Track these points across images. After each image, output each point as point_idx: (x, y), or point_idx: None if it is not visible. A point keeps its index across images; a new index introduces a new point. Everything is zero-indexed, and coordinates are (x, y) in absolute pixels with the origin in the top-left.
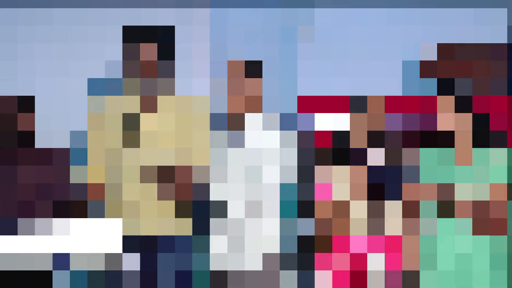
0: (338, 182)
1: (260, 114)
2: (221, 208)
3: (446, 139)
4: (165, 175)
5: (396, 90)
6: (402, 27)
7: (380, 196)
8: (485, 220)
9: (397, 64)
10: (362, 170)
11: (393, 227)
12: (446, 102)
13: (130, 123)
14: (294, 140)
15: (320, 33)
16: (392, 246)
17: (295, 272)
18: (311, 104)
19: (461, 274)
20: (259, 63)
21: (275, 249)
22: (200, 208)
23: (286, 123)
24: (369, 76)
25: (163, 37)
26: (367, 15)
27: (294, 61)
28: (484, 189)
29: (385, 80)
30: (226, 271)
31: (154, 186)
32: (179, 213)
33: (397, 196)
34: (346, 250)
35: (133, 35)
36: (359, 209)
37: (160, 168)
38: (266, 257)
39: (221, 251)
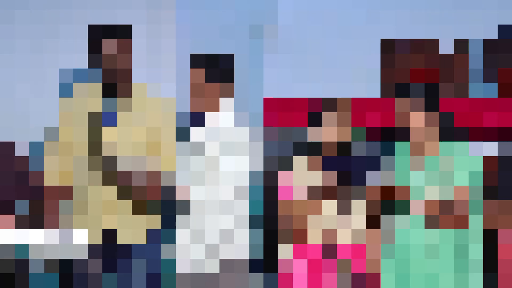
0: (300, 179)
1: (226, 113)
2: (187, 209)
3: (405, 135)
4: (128, 178)
5: (362, 92)
6: (378, 26)
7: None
8: (448, 214)
9: (363, 66)
10: (319, 162)
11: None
12: (403, 104)
13: (95, 123)
14: (260, 137)
15: (284, 32)
16: (357, 247)
17: (261, 275)
18: (277, 105)
19: (422, 266)
20: (219, 69)
21: (243, 252)
22: (167, 209)
23: (253, 122)
24: (337, 77)
25: (122, 34)
26: (335, 13)
27: (261, 61)
28: (449, 183)
29: (352, 81)
30: (192, 273)
31: (115, 188)
32: (146, 213)
33: (361, 194)
34: (311, 249)
35: (95, 33)
36: (324, 206)
37: (120, 173)
38: (231, 260)
39: (188, 253)
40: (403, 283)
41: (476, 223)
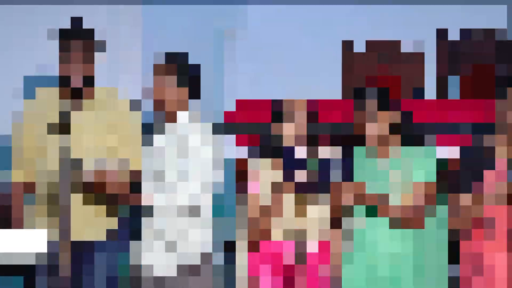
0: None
1: (187, 114)
2: (150, 211)
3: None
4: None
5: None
6: (344, 26)
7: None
8: (407, 214)
9: (335, 65)
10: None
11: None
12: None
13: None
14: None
15: (253, 32)
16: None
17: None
18: (248, 107)
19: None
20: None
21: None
22: (131, 211)
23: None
24: (306, 78)
25: (86, 35)
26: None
27: (224, 63)
28: (408, 184)
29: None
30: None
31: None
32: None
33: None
34: (275, 249)
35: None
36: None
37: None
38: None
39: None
40: (364, 283)
41: (437, 223)
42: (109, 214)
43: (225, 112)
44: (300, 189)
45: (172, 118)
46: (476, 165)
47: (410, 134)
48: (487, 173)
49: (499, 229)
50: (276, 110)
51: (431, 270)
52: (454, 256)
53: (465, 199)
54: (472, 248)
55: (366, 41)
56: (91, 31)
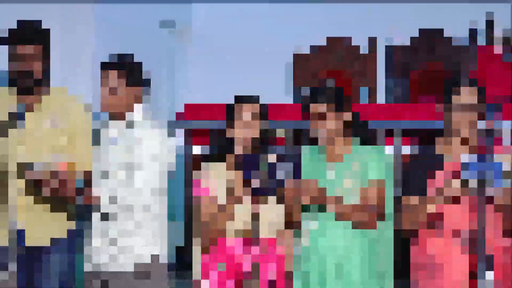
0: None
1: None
2: (98, 210)
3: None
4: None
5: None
6: (294, 26)
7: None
8: (359, 214)
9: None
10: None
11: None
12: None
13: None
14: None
15: (200, 32)
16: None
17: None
18: (197, 111)
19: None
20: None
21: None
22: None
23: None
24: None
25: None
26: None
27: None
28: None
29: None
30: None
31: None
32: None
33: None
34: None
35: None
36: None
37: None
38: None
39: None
40: (313, 283)
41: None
42: (60, 215)
43: (177, 113)
44: (254, 190)
45: (121, 118)
46: (426, 165)
47: (362, 134)
48: (436, 174)
49: (447, 229)
50: (229, 112)
51: (381, 270)
52: (405, 256)
53: (414, 199)
54: (422, 248)
55: (316, 45)
56: (44, 33)
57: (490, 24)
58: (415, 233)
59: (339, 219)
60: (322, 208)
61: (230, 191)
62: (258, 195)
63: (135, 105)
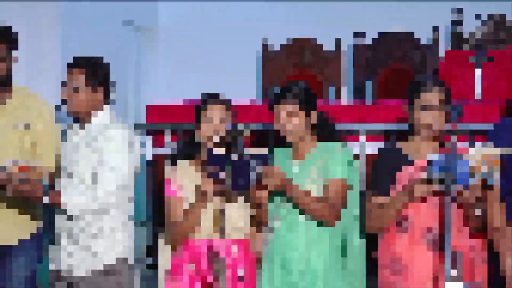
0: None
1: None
2: (63, 211)
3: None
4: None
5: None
6: (264, 24)
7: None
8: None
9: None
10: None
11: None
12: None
13: None
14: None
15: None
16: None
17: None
18: (160, 112)
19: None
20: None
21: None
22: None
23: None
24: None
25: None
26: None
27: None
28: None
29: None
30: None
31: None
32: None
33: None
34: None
35: None
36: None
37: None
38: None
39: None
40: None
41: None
42: (25, 216)
43: (145, 113)
44: (222, 189)
45: (87, 119)
46: (392, 164)
47: (328, 133)
48: (402, 173)
49: (414, 228)
50: (197, 112)
51: (350, 268)
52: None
53: (380, 198)
54: (388, 247)
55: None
56: (8, 32)
57: (456, 25)
58: (382, 232)
59: (303, 212)
60: (286, 198)
61: (198, 191)
62: (226, 195)
63: (100, 106)
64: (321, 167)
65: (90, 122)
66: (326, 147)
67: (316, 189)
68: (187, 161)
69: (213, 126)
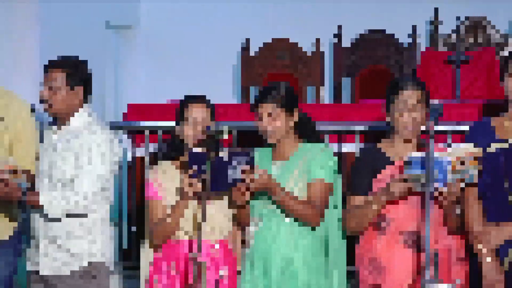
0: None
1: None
2: (40, 212)
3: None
4: None
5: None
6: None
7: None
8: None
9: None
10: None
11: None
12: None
13: None
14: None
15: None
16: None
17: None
18: (140, 111)
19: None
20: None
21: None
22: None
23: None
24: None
25: None
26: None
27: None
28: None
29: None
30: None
31: None
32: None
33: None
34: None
35: None
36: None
37: None
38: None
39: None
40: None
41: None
42: (4, 217)
43: (123, 113)
44: (203, 190)
45: (65, 120)
46: (371, 164)
47: (309, 134)
48: (381, 173)
49: (393, 227)
50: (179, 112)
51: (331, 269)
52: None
53: (360, 198)
54: (367, 248)
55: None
56: None
57: (434, 25)
58: (361, 233)
59: (285, 213)
60: (268, 198)
61: (179, 192)
62: (208, 195)
63: (79, 106)
64: (303, 167)
65: (69, 123)
66: (307, 147)
67: (298, 190)
68: (168, 162)
69: (195, 126)
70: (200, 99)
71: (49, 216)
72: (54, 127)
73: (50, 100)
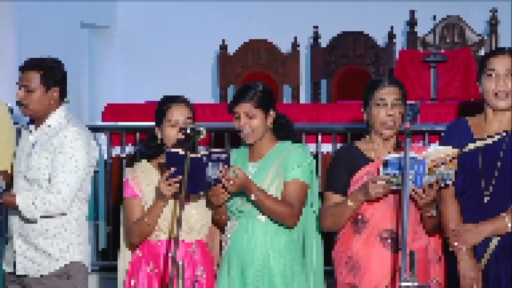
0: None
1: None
2: (16, 213)
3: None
4: None
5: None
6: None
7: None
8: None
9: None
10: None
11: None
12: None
13: None
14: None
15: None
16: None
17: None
18: (118, 111)
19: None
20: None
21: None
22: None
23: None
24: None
25: None
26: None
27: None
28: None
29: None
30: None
31: None
32: None
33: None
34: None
35: None
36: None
37: None
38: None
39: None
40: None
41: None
42: None
43: (102, 113)
44: (181, 190)
45: (42, 120)
46: (348, 164)
47: (286, 133)
48: (358, 172)
49: (371, 227)
50: (158, 112)
51: (308, 269)
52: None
53: (337, 196)
54: (344, 247)
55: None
56: None
57: (411, 25)
58: (338, 232)
59: (262, 213)
60: (246, 198)
61: (157, 192)
62: (185, 195)
63: (55, 107)
64: (279, 166)
65: (45, 123)
66: (284, 146)
67: (275, 190)
68: (146, 162)
69: (174, 127)
70: (181, 100)
71: (25, 217)
72: (31, 127)
73: (25, 100)
